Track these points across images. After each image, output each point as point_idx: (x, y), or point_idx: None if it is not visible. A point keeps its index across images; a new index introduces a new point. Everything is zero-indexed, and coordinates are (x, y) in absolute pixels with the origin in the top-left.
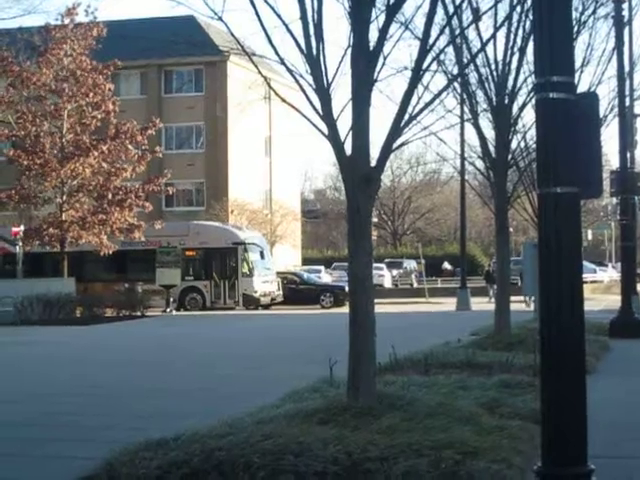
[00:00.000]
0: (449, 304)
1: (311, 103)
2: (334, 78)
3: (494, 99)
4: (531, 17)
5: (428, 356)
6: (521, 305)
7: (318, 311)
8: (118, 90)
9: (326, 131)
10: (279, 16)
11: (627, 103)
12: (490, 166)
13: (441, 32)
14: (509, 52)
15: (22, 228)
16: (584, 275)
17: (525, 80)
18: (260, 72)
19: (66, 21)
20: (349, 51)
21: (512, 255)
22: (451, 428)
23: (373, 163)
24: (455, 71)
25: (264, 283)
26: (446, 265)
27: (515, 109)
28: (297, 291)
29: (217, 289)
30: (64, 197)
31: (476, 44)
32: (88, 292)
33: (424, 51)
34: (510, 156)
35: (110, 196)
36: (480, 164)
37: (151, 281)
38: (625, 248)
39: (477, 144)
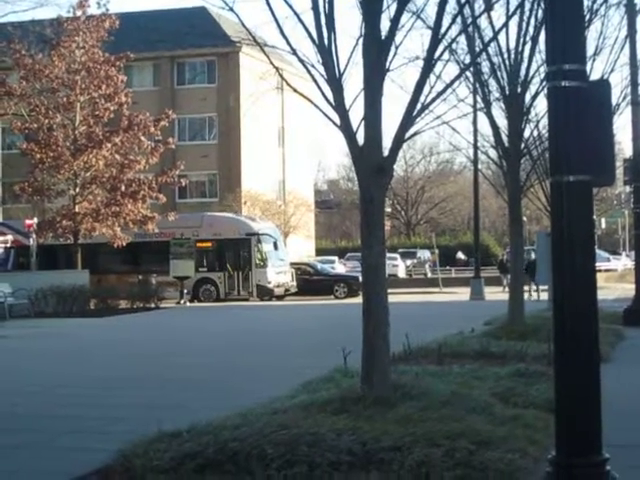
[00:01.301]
0: (463, 294)
1: (323, 93)
2: (346, 68)
3: (507, 88)
4: (543, 5)
5: (442, 346)
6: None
7: (332, 301)
8: (131, 82)
9: (338, 121)
10: (290, 6)
11: None
12: (503, 155)
13: (453, 21)
14: (521, 41)
15: (35, 220)
16: (598, 264)
17: (538, 69)
18: (272, 63)
19: (78, 13)
20: (361, 41)
21: (526, 244)
22: (465, 418)
23: (386, 153)
24: (467, 60)
25: (278, 274)
26: (460, 255)
27: (528, 98)
28: (311, 282)
29: (231, 280)
30: (77, 189)
31: (488, 33)
32: (102, 284)
33: (436, 40)
34: (523, 145)
35: (123, 188)
36: (493, 153)
37: (165, 273)
38: (639, 236)
39: (490, 133)
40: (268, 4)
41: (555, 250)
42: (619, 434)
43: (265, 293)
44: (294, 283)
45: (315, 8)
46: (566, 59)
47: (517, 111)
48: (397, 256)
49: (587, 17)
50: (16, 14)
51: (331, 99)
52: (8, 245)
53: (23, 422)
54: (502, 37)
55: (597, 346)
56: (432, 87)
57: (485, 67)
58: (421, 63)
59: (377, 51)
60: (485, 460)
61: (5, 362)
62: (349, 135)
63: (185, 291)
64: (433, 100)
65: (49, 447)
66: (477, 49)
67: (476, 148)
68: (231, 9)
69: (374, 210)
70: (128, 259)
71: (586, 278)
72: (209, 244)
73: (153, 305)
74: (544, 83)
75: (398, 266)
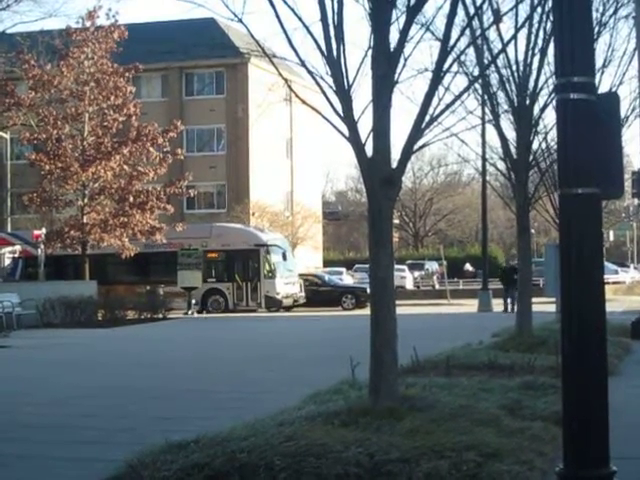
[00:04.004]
0: (471, 306)
1: (332, 105)
2: (355, 79)
3: (515, 100)
4: (552, 17)
5: (450, 358)
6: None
7: (340, 313)
8: (139, 93)
9: (347, 133)
10: (299, 18)
11: None
12: (511, 167)
13: (462, 33)
14: (530, 53)
15: (44, 231)
16: (606, 276)
17: (546, 81)
18: (280, 74)
19: (87, 24)
20: (370, 52)
21: (534, 256)
22: (473, 430)
23: (394, 165)
24: (476, 72)
25: (286, 285)
26: (468, 266)
27: (536, 110)
28: (319, 293)
29: (239, 291)
30: (85, 200)
31: (497, 45)
32: (110, 295)
33: (445, 52)
34: (531, 157)
35: (131, 199)
36: (501, 165)
37: (173, 283)
38: None
39: (498, 145)
40: (277, 16)
41: (563, 262)
42: (626, 447)
43: (273, 304)
44: (302, 294)
45: (324, 19)
46: (575, 71)
47: (526, 123)
48: (405, 268)
49: (596, 29)
50: (25, 24)
51: (340, 110)
52: (16, 255)
53: (29, 433)
54: (511, 49)
55: (605, 359)
56: (441, 99)
57: (494, 79)
58: (430, 75)
59: (386, 63)
60: (493, 472)
61: (13, 372)
62: (358, 147)
63: (193, 302)
64: (442, 112)
65: (55, 458)
66: (486, 61)
67: (484, 160)
68: (240, 20)
69: (382, 222)
70: (136, 270)
71: (594, 290)
72: (217, 255)
73: (161, 316)
74: (553, 95)
75: (406, 278)
